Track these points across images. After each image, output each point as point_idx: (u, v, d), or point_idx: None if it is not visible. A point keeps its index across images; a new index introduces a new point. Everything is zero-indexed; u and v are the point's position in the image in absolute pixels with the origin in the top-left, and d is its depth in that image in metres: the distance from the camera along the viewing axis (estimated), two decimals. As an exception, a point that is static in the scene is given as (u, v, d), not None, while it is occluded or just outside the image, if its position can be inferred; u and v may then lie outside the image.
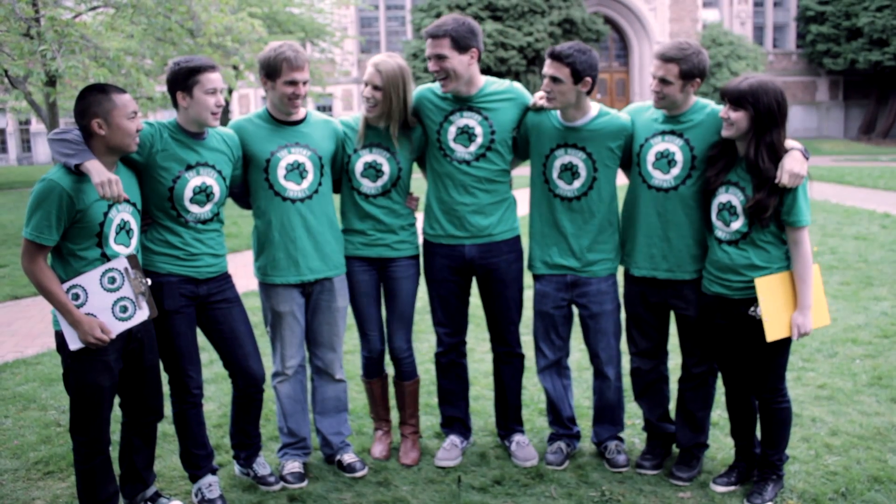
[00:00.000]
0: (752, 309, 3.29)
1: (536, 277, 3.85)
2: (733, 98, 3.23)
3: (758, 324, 3.28)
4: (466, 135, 3.71)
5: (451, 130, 3.72)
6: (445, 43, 3.56)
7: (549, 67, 3.51)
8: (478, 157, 3.72)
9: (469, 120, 3.70)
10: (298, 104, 3.55)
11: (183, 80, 3.24)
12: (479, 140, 3.70)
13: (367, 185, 3.75)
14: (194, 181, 3.30)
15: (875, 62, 28.27)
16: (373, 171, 3.72)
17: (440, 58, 3.59)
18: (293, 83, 3.46)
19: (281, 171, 3.55)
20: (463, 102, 3.71)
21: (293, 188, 3.57)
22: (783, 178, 3.14)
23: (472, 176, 3.73)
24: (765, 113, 3.18)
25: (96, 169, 2.91)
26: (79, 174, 2.92)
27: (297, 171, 3.56)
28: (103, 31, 9.70)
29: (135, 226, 3.16)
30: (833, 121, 32.71)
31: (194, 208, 3.33)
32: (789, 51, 32.64)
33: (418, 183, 3.79)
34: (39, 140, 32.32)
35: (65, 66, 8.55)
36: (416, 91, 3.81)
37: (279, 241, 3.60)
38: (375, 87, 3.62)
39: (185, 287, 3.34)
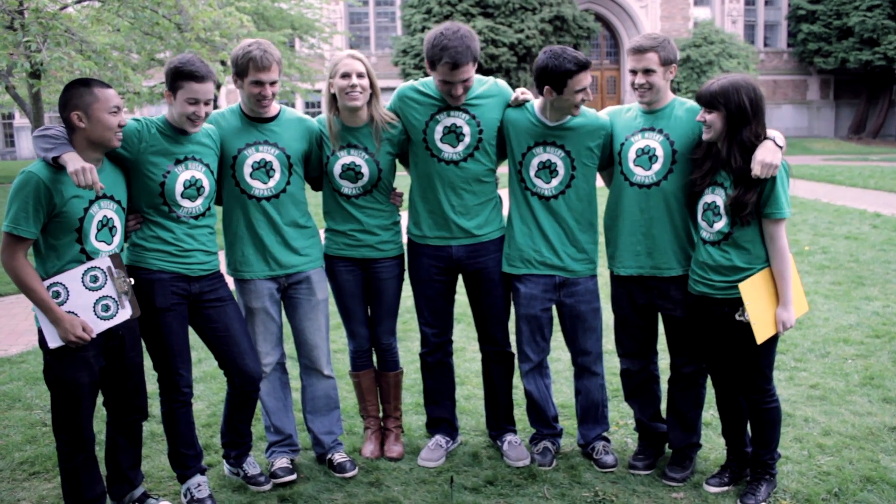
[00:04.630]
0: (738, 313, 3.28)
1: (517, 279, 3.77)
2: (706, 101, 3.25)
3: (745, 327, 3.27)
4: (454, 134, 3.66)
5: (438, 129, 3.67)
6: (471, 67, 3.52)
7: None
8: (466, 157, 3.67)
9: (456, 119, 3.65)
10: (266, 104, 3.50)
11: (170, 81, 3.23)
12: (467, 140, 3.66)
13: (348, 187, 3.71)
14: (184, 175, 3.28)
15: (866, 61, 28.34)
16: (351, 172, 3.67)
17: (466, 81, 3.55)
18: (258, 83, 3.41)
19: (247, 169, 3.51)
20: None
21: (259, 186, 3.53)
22: (755, 168, 3.14)
23: (460, 176, 3.68)
24: (736, 112, 3.19)
25: (71, 158, 2.89)
26: (57, 167, 2.91)
27: (263, 169, 3.52)
28: (89, 25, 9.61)
29: (118, 223, 3.13)
30: (824, 120, 32.80)
31: (186, 203, 3.30)
32: (780, 49, 32.71)
33: (401, 180, 3.73)
34: (23, 134, 31.96)
35: (50, 58, 8.44)
36: (397, 89, 3.78)
37: (246, 238, 3.58)
38: (360, 75, 3.56)
39: (177, 284, 3.31)
